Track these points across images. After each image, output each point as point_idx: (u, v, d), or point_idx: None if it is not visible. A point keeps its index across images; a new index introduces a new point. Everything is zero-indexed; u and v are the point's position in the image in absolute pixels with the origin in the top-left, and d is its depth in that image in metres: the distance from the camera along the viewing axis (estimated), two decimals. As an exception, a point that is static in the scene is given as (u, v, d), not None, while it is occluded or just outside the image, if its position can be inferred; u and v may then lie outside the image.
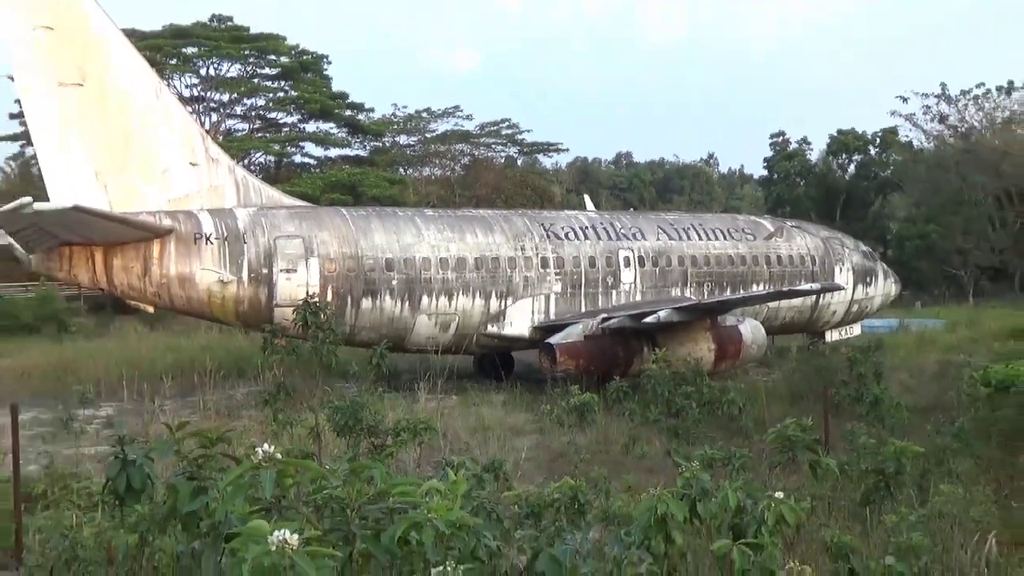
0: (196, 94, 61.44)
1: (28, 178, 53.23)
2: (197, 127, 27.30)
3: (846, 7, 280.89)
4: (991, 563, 8.47)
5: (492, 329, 27.39)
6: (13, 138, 59.67)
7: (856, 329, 35.25)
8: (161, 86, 25.29)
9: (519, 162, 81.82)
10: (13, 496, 9.22)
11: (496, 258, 27.38)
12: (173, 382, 23.71)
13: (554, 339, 25.98)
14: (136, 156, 23.58)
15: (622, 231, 30.46)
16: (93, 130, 22.87)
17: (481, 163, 72.96)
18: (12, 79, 24.23)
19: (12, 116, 56.85)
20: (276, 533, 3.67)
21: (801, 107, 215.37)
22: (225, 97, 63.25)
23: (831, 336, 34.21)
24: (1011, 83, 66.51)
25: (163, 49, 56.86)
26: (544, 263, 28.20)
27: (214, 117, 62.62)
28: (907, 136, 72.57)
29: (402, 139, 73.78)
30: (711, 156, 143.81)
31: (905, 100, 70.06)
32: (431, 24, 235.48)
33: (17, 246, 23.68)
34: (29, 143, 37.04)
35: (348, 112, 65.84)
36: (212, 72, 61.99)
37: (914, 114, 68.92)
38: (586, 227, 30.00)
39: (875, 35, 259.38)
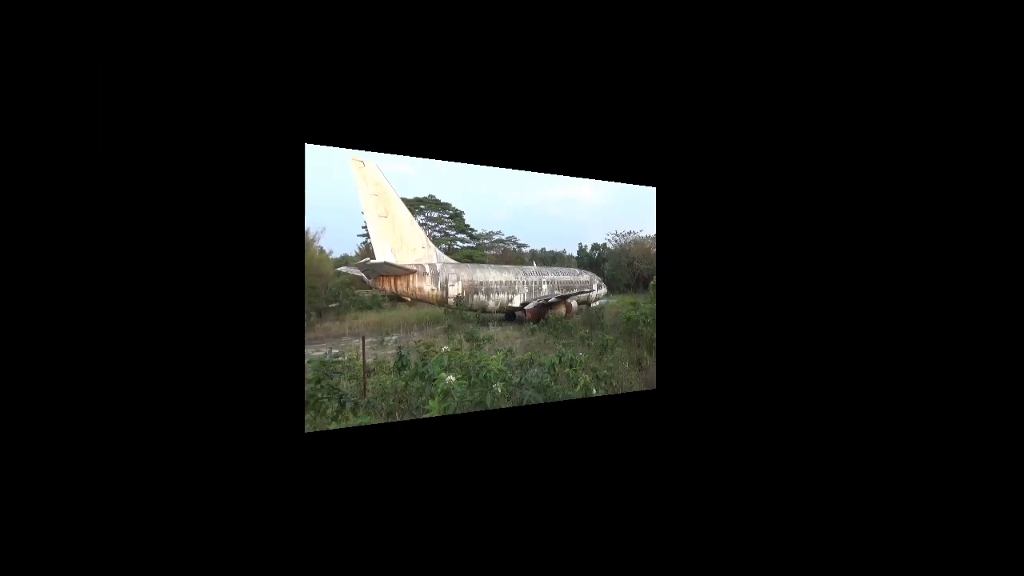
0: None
1: (367, 253, 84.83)
2: (422, 231, 57.92)
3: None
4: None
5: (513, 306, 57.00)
6: (361, 235, 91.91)
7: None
8: (411, 215, 55.76)
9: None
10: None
11: (511, 283, 56.77)
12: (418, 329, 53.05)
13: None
14: (406, 244, 52.97)
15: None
16: (391, 234, 53.05)
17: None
18: (363, 213, 55.27)
19: (363, 230, 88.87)
20: (448, 377, 7.39)
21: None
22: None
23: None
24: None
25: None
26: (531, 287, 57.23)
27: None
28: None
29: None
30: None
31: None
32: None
33: (365, 277, 55.67)
34: (367, 238, 68.16)
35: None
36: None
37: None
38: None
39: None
